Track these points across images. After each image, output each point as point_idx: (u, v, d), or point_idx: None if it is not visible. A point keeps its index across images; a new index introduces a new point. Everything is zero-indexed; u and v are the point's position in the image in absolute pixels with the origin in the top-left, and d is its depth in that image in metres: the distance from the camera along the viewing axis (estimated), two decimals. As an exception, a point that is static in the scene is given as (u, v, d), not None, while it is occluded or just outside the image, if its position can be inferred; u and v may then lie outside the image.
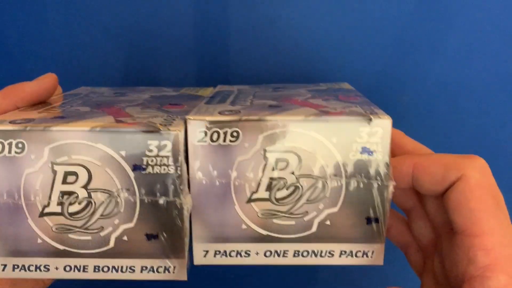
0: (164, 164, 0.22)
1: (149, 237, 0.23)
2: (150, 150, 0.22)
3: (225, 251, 0.24)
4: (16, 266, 0.23)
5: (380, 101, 0.37)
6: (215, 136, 0.22)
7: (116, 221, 0.23)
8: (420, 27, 0.39)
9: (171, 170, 0.22)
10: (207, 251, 0.24)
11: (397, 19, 0.39)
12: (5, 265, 0.23)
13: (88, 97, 0.31)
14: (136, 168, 0.22)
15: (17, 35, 0.40)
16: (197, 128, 0.22)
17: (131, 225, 0.23)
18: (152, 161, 0.22)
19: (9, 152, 0.22)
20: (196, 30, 0.40)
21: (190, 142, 0.23)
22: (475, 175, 0.23)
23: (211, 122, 0.22)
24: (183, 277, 0.24)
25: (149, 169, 0.22)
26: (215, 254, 0.24)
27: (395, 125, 0.39)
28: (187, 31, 0.40)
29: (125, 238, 0.23)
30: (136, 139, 0.22)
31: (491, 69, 0.40)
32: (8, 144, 0.22)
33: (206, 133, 0.22)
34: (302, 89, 0.32)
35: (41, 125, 0.22)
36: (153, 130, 0.22)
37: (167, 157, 0.22)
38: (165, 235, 0.23)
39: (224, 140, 0.23)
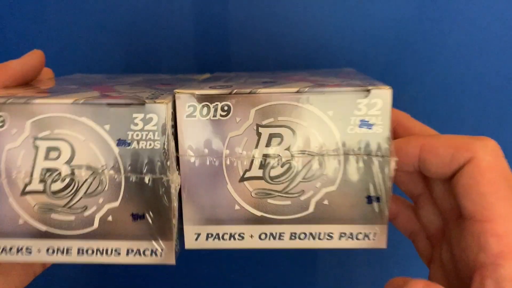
0: (150, 139, 0.21)
1: (135, 217, 0.22)
2: (136, 124, 0.21)
3: (217, 234, 0.23)
4: None
5: None
6: (205, 111, 0.21)
7: (101, 200, 0.22)
8: (420, 26, 0.39)
9: (158, 145, 0.21)
10: (198, 234, 0.23)
11: (397, 18, 0.39)
12: None
13: (80, 80, 0.30)
14: (120, 143, 0.21)
15: (16, 31, 0.40)
16: (186, 102, 0.21)
17: (116, 204, 0.22)
18: (137, 135, 0.21)
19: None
20: (196, 24, 0.39)
21: (179, 117, 0.21)
22: (486, 157, 0.21)
23: (201, 96, 0.21)
24: (171, 261, 0.22)
25: (134, 144, 0.21)
26: (207, 237, 0.23)
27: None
28: (187, 24, 0.39)
29: (109, 218, 0.22)
30: (121, 113, 0.21)
31: (491, 68, 0.39)
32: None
33: (195, 108, 0.21)
34: (301, 71, 0.31)
35: (23, 99, 0.21)
36: (138, 102, 0.21)
37: (153, 131, 0.21)
38: (151, 215, 0.22)
39: (215, 115, 0.21)
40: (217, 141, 0.22)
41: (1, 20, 0.40)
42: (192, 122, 0.21)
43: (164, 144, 0.21)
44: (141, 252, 0.22)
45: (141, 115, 0.21)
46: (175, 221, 0.22)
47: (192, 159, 0.22)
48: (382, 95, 0.21)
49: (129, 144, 0.21)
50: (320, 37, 0.39)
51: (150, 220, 0.22)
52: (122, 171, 0.21)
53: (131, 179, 0.21)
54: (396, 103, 0.38)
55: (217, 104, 0.21)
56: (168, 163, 0.21)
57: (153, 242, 0.22)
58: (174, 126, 0.22)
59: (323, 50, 0.40)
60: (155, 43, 0.40)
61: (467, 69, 0.40)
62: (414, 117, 0.38)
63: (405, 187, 0.27)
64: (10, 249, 0.22)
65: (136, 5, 0.39)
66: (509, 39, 0.39)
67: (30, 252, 0.22)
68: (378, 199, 0.22)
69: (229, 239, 0.23)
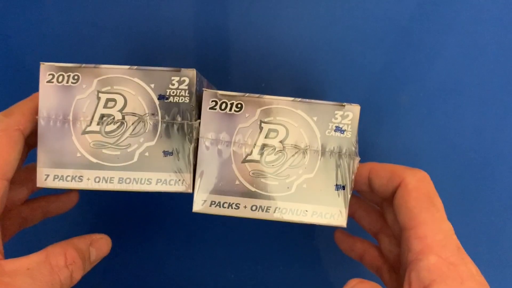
0: (182, 95, 0.29)
1: (166, 153, 0.29)
2: (173, 84, 0.29)
3: (219, 202, 0.29)
4: (56, 176, 0.29)
5: (380, 101, 0.41)
6: (223, 106, 0.29)
7: (141, 140, 0.29)
8: (420, 27, 0.41)
9: (187, 100, 0.29)
10: (204, 201, 0.29)
11: (397, 19, 0.41)
12: (47, 175, 0.29)
13: None
14: (160, 97, 0.29)
15: (17, 32, 0.42)
16: (211, 97, 0.29)
17: (152, 143, 0.29)
18: (173, 92, 0.29)
19: (67, 82, 0.29)
20: (196, 29, 0.42)
21: (203, 109, 0.29)
22: (412, 181, 0.28)
23: (222, 95, 0.29)
24: (189, 190, 0.29)
25: (171, 99, 0.29)
26: (211, 204, 0.29)
27: (395, 126, 0.41)
28: (187, 29, 0.41)
29: (146, 154, 0.29)
30: (163, 75, 0.29)
31: (491, 69, 0.41)
32: (67, 76, 0.29)
33: (217, 102, 0.29)
34: None
35: (93, 64, 0.29)
36: (175, 69, 0.29)
37: (184, 90, 0.29)
38: (177, 152, 0.29)
39: (230, 110, 0.29)
40: (229, 130, 0.29)
41: (1, 19, 0.42)
42: (213, 114, 0.29)
43: (191, 99, 0.29)
44: (168, 182, 0.29)
45: (177, 78, 0.29)
46: (194, 159, 0.29)
47: (209, 142, 0.29)
48: (353, 110, 0.29)
49: (167, 98, 0.29)
50: (320, 38, 0.41)
51: (176, 156, 0.29)
52: (160, 118, 0.29)
53: (165, 124, 0.29)
54: (396, 103, 0.41)
55: (233, 102, 0.29)
56: (193, 112, 0.29)
57: (178, 174, 0.29)
58: (199, 98, 0.30)
59: (323, 50, 0.41)
60: (154, 47, 0.42)
61: (467, 69, 0.41)
62: (413, 117, 0.42)
63: (367, 226, 0.33)
64: (67, 177, 0.29)
65: (136, 8, 0.41)
66: (509, 39, 0.40)
67: (81, 180, 0.29)
68: (343, 187, 0.29)
69: (228, 207, 0.29)
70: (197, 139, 0.29)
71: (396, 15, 0.40)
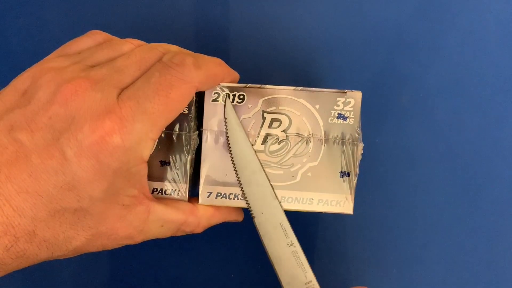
0: None
1: (163, 163, 0.29)
2: None
3: (225, 194, 0.29)
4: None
5: (380, 101, 0.41)
6: (226, 97, 0.29)
7: None
8: (420, 27, 0.41)
9: (186, 111, 0.29)
10: (210, 193, 0.29)
11: (397, 19, 0.41)
12: None
13: None
14: None
15: (17, 33, 0.42)
16: (213, 89, 0.29)
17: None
18: None
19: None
20: (197, 31, 0.41)
21: (206, 101, 0.29)
22: None
23: (224, 86, 0.29)
24: (185, 199, 0.29)
25: None
26: (217, 195, 0.29)
27: (394, 125, 0.41)
28: (188, 32, 0.41)
29: None
30: None
31: (491, 69, 0.41)
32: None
33: (219, 95, 0.29)
34: None
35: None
36: None
37: None
38: (175, 162, 0.29)
39: (233, 101, 0.29)
40: (232, 121, 0.29)
41: (3, 20, 0.41)
42: (215, 105, 0.29)
43: (190, 111, 0.29)
44: (163, 192, 0.29)
45: None
46: (191, 170, 0.29)
47: (213, 134, 0.29)
48: (355, 96, 0.29)
49: None
50: (320, 38, 0.41)
51: (173, 166, 0.29)
52: None
53: (163, 135, 0.29)
54: (396, 103, 0.41)
55: (235, 93, 0.29)
56: (192, 124, 0.29)
57: (173, 184, 0.29)
58: (200, 106, 0.29)
59: (323, 50, 0.41)
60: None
61: (467, 69, 0.40)
62: (413, 117, 0.41)
63: None
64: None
65: (136, 7, 0.41)
66: (508, 39, 0.40)
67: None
68: (348, 174, 0.29)
69: (233, 198, 0.29)
70: (195, 151, 0.29)
71: (396, 15, 0.41)
